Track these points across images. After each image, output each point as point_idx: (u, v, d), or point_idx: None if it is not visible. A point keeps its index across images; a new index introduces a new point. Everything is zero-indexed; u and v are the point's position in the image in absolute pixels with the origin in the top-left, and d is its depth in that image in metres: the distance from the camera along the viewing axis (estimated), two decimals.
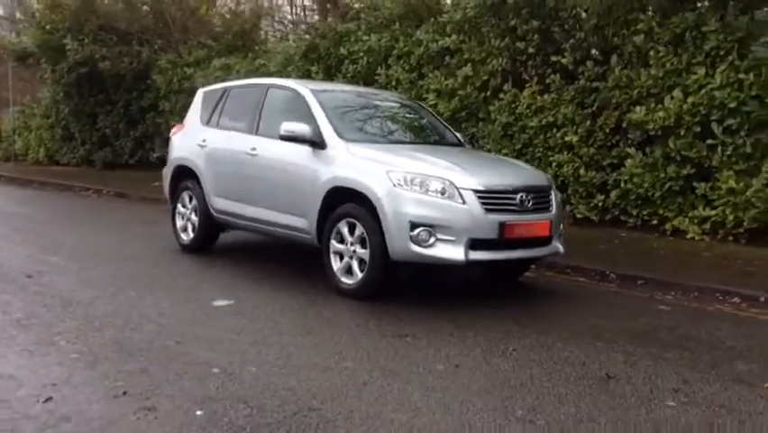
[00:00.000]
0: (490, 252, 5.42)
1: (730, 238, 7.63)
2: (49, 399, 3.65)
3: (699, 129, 7.60)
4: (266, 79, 8.11)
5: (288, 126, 6.10)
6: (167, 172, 7.95)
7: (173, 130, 8.23)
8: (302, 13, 16.58)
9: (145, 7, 17.44)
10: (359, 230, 5.63)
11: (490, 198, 5.40)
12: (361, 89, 7.98)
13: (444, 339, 4.73)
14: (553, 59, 8.66)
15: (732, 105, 7.26)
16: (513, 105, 9.05)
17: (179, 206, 7.71)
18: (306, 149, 6.18)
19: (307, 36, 12.52)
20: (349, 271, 5.77)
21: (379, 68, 10.65)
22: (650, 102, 7.90)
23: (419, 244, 5.28)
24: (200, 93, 8.02)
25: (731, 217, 7.43)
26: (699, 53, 7.55)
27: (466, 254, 5.30)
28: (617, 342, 4.76)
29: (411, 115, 7.22)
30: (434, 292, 6.32)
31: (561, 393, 3.76)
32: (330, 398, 3.69)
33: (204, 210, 7.31)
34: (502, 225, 5.39)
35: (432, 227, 5.27)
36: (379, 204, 5.40)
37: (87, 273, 6.56)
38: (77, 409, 3.49)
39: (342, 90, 7.29)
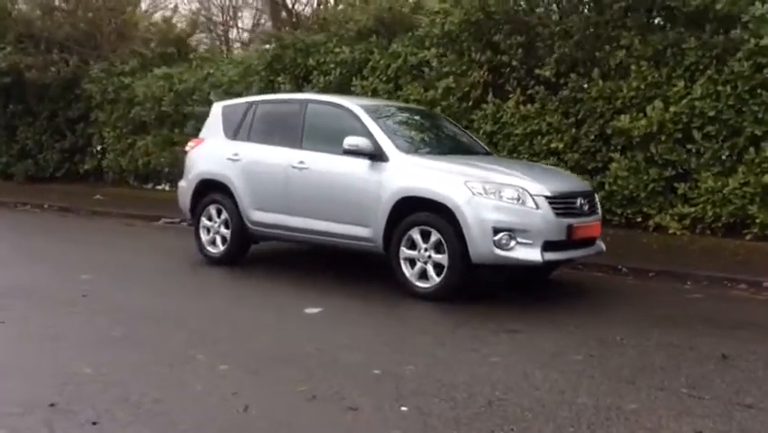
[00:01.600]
0: (559, 252, 5.99)
1: (708, 232, 8.58)
2: (246, 408, 3.84)
3: (680, 135, 8.50)
4: (300, 95, 8.36)
5: (352, 141, 6.42)
6: (186, 186, 7.99)
7: (189, 145, 8.26)
8: (239, 23, 16.51)
9: (59, 14, 16.76)
10: (434, 237, 6.04)
11: (558, 203, 5.98)
12: (393, 103, 8.33)
13: (550, 333, 5.24)
14: (537, 72, 9.34)
15: (711, 113, 8.21)
16: (497, 115, 9.67)
17: (204, 219, 7.79)
18: (363, 162, 6.51)
19: (267, 46, 12.65)
20: (422, 275, 6.16)
21: (354, 79, 10.98)
22: (632, 111, 8.74)
23: (501, 248, 5.78)
24: (218, 108, 8.12)
25: (710, 213, 8.38)
26: (679, 68, 8.47)
27: (542, 255, 5.84)
28: (694, 327, 5.45)
29: (444, 126, 7.70)
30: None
31: (699, 373, 4.37)
32: (507, 389, 4.09)
33: (237, 223, 7.45)
34: (570, 228, 5.98)
35: (512, 231, 5.77)
36: (460, 212, 5.85)
37: (136, 288, 6.62)
38: (281, 416, 3.66)
39: (385, 105, 7.64)
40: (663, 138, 8.60)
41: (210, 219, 7.78)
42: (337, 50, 11.23)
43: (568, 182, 6.50)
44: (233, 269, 7.54)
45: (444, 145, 7.33)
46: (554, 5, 9.40)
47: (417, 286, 6.16)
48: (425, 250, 6.11)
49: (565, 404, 3.86)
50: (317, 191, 6.81)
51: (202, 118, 8.86)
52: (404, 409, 3.84)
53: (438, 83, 10.08)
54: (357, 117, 6.80)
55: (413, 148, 6.65)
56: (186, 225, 11.06)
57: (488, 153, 7.55)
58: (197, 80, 13.65)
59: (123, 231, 10.90)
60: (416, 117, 7.61)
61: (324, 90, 11.29)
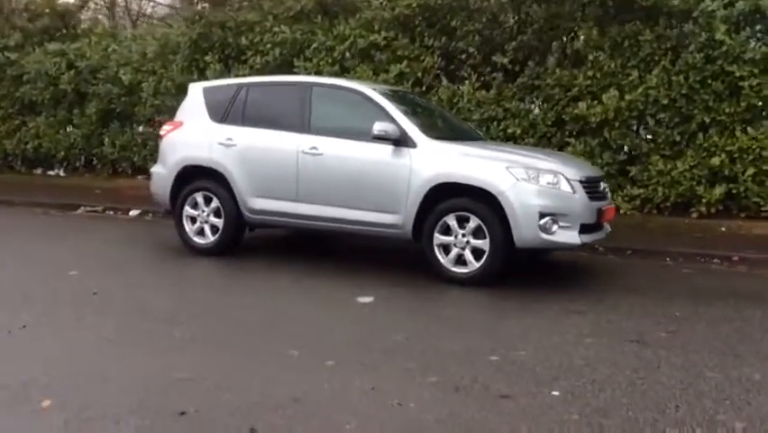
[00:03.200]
0: (590, 235, 6.26)
1: (654, 211, 9.28)
2: (400, 403, 3.73)
3: (634, 122, 9.11)
4: (301, 78, 8.03)
5: (382, 126, 6.32)
6: (166, 173, 7.48)
7: (165, 128, 7.71)
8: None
9: None
10: (473, 222, 6.10)
11: (589, 188, 6.25)
12: (387, 87, 8.18)
13: (612, 312, 5.47)
14: (494, 59, 9.60)
15: (664, 102, 8.86)
16: (454, 100, 9.84)
17: (188, 208, 7.34)
18: (386, 148, 6.44)
19: (184, 24, 11.99)
20: (458, 261, 6.21)
21: (296, 60, 10.71)
22: (587, 99, 9.23)
23: (545, 232, 5.95)
24: (198, 89, 7.65)
25: (660, 194, 9.06)
26: (635, 58, 9.05)
27: (580, 238, 6.09)
28: (725, 299, 5.91)
29: (442, 112, 7.75)
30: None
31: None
32: (637, 369, 4.25)
33: (232, 211, 7.11)
34: (599, 211, 6.28)
35: (555, 216, 5.97)
36: (504, 197, 5.95)
37: (141, 284, 6.23)
38: (440, 410, 3.60)
39: (390, 89, 7.52)
40: (617, 124, 9.15)
41: (195, 208, 7.33)
42: (276, 29, 10.86)
43: (589, 167, 6.80)
44: (227, 260, 7.18)
45: (456, 131, 7.39)
46: None
47: (454, 272, 6.19)
48: (463, 236, 6.14)
49: (701, 379, 4.09)
50: (336, 177, 6.63)
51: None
52: (555, 393, 3.90)
53: (391, 67, 10.04)
54: (375, 102, 6.68)
55: (434, 134, 6.64)
56: (113, 214, 10.47)
57: (482, 139, 7.68)
58: (101, 57, 12.67)
59: (50, 222, 10.01)
60: (420, 102, 7.58)
61: (262, 71, 10.91)
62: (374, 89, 6.89)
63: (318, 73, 10.51)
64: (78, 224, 9.85)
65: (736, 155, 8.68)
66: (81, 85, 12.96)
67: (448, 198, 6.22)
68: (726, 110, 8.69)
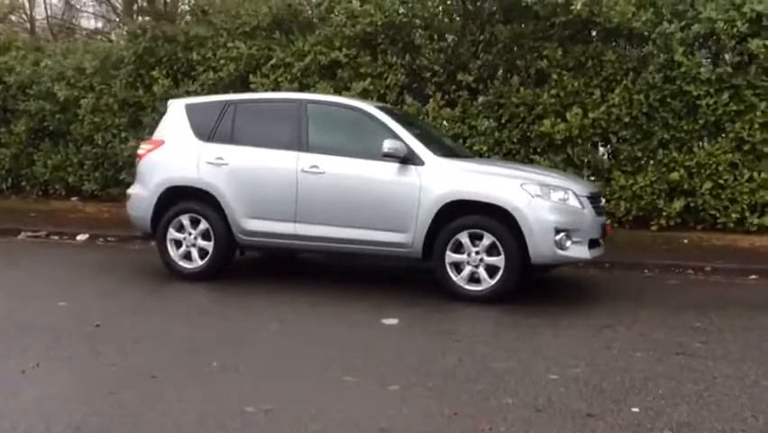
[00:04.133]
0: (595, 249, 6.40)
1: (616, 225, 9.59)
2: (491, 428, 3.70)
3: (597, 139, 9.41)
4: (293, 95, 7.80)
5: (391, 144, 6.25)
6: (146, 195, 7.12)
7: (143, 147, 7.33)
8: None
9: None
10: (487, 239, 6.11)
11: (594, 203, 6.39)
12: (386, 105, 8.09)
13: (639, 326, 5.59)
14: (459, 77, 9.70)
15: (626, 119, 9.21)
16: (419, 118, 9.86)
17: (172, 231, 7.00)
18: (393, 165, 6.37)
19: (124, 36, 11.49)
20: (471, 279, 6.19)
21: (252, 76, 10.45)
22: (551, 117, 9.47)
23: (560, 248, 6.04)
24: (180, 106, 7.33)
25: (622, 208, 9.39)
26: (597, 78, 9.37)
27: (590, 253, 6.21)
28: (729, 310, 6.14)
29: (433, 130, 7.73)
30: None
31: None
32: (696, 381, 4.33)
33: (223, 234, 6.83)
34: (604, 226, 6.43)
35: (568, 231, 6.06)
36: (521, 214, 5.99)
37: (143, 314, 5.92)
38: (516, 427, 3.58)
39: (384, 107, 7.41)
40: (581, 141, 9.42)
41: (180, 231, 6.99)
42: (230, 44, 10.56)
43: (588, 184, 6.94)
44: (219, 284, 6.89)
45: (450, 148, 7.38)
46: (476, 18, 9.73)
47: (468, 289, 6.17)
48: (477, 253, 6.13)
49: (759, 388, 4.23)
50: (339, 197, 6.48)
51: None
52: (635, 409, 3.93)
53: (354, 84, 9.96)
54: (377, 120, 6.61)
55: (438, 151, 6.61)
56: (60, 240, 9.87)
57: (472, 155, 7.74)
58: (32, 72, 11.94)
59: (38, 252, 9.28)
60: (412, 120, 7.55)
61: (214, 88, 10.60)
62: (375, 107, 6.80)
63: (276, 90, 10.28)
64: (29, 250, 9.21)
65: (693, 170, 9.10)
66: (9, 101, 12.14)
67: (458, 215, 6.18)
68: (685, 127, 9.12)
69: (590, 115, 9.28)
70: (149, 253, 8.77)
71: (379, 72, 10.02)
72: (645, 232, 9.38)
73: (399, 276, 7.49)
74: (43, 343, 4.98)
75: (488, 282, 6.12)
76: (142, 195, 7.09)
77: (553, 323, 5.65)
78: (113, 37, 12.95)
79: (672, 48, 8.96)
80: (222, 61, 10.66)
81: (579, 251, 6.12)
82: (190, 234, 6.94)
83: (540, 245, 5.97)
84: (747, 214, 9.01)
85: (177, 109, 7.28)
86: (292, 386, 4.20)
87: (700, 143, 9.13)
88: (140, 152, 7.33)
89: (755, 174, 8.94)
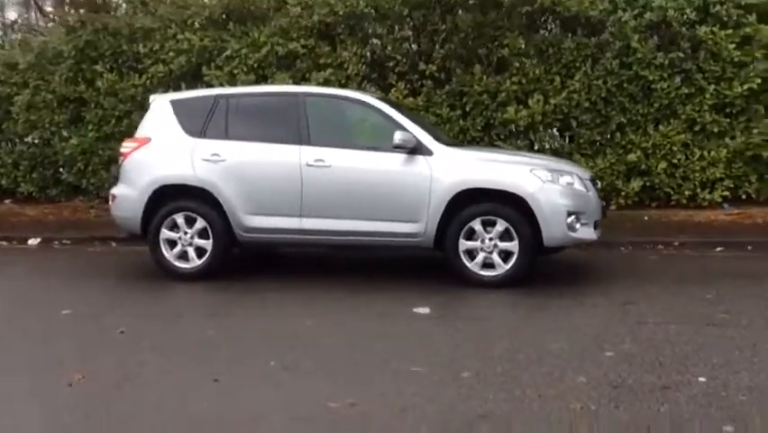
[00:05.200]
0: (598, 230, 6.64)
1: None
2: (582, 408, 3.80)
3: (558, 125, 9.72)
4: (290, 88, 7.66)
5: (402, 136, 6.25)
6: (135, 195, 6.81)
7: (126, 145, 6.99)
8: None
9: None
10: (500, 225, 6.23)
11: (594, 186, 6.63)
12: (381, 96, 7.99)
13: (661, 301, 5.81)
14: (422, 67, 9.78)
15: (586, 105, 9.57)
16: None
17: (165, 231, 6.75)
18: (400, 156, 6.39)
19: (60, 30, 10.88)
20: (485, 265, 6.30)
21: (205, 68, 10.15)
22: (513, 104, 9.71)
23: (572, 230, 6.23)
24: (164, 102, 7.04)
25: None
26: (557, 65, 9.66)
27: (596, 234, 6.45)
28: (725, 282, 6.49)
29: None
30: None
31: None
32: (741, 348, 4.59)
33: (222, 232, 6.65)
34: (604, 207, 6.69)
35: (577, 214, 6.27)
36: (534, 199, 6.14)
37: (163, 316, 5.78)
38: (605, 404, 3.69)
39: (382, 98, 7.35)
40: (541, 128, 9.71)
41: (173, 230, 6.75)
42: (180, 36, 10.20)
43: (585, 168, 7.16)
44: (221, 283, 6.70)
45: (444, 137, 7.42)
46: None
47: (483, 275, 6.27)
48: (490, 239, 6.24)
49: None
50: (347, 189, 6.43)
51: None
52: (702, 379, 4.10)
53: (314, 75, 9.85)
54: (381, 111, 6.60)
55: (442, 141, 6.67)
56: (9, 245, 9.34)
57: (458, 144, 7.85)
58: None
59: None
60: (406, 111, 7.52)
61: (164, 81, 10.26)
62: (376, 98, 6.77)
63: (232, 82, 10.02)
64: None
65: (649, 151, 9.57)
66: None
67: (468, 204, 6.26)
68: (641, 111, 9.56)
69: (551, 101, 9.56)
70: (115, 255, 8.46)
71: (339, 63, 9.92)
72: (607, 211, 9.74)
73: (402, 266, 7.50)
74: (74, 353, 4.72)
75: (502, 267, 6.23)
76: (130, 195, 6.77)
77: (579, 302, 5.83)
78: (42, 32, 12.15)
79: (627, 35, 9.35)
80: (171, 53, 10.27)
81: (587, 232, 6.33)
82: (186, 233, 6.70)
83: (553, 229, 6.13)
84: (699, 190, 9.56)
85: (161, 105, 6.98)
86: (364, 380, 4.18)
87: (655, 126, 9.55)
88: (123, 150, 6.99)
89: (705, 153, 9.49)
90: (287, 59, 10.07)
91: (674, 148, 9.51)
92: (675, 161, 9.55)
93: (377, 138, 6.51)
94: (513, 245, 6.19)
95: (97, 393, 4.02)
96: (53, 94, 10.64)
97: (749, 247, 8.23)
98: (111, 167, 10.39)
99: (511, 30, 9.60)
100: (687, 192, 9.57)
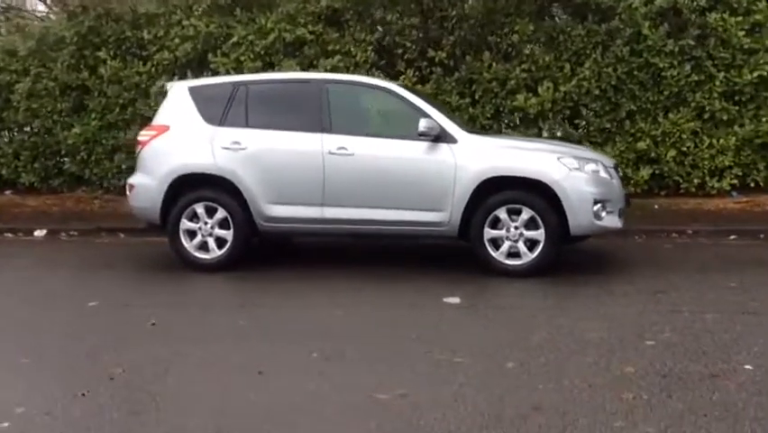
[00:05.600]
0: (622, 218, 6.62)
1: None
2: (634, 397, 3.79)
3: (568, 112, 9.69)
4: (310, 75, 7.59)
5: (427, 123, 6.21)
6: (154, 184, 6.71)
7: (143, 134, 6.88)
8: None
9: None
10: (525, 214, 6.20)
11: (617, 174, 6.62)
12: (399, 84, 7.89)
13: (681, 290, 5.82)
14: (431, 54, 9.71)
15: (596, 92, 9.55)
16: None
17: (185, 221, 6.67)
18: (423, 144, 6.34)
19: (64, 17, 10.68)
20: (509, 254, 6.28)
21: (211, 55, 10.02)
22: (524, 91, 9.67)
23: (598, 218, 6.21)
24: (182, 89, 6.94)
25: None
26: (567, 52, 9.63)
27: (621, 222, 6.44)
28: (746, 269, 6.50)
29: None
30: None
31: None
32: None
33: (243, 221, 6.57)
34: (626, 195, 6.68)
35: (603, 202, 6.25)
36: (560, 187, 6.11)
37: (190, 307, 5.74)
38: (656, 393, 3.70)
39: (403, 85, 7.28)
40: (551, 115, 9.68)
41: (193, 220, 6.66)
42: (185, 23, 10.06)
43: (606, 156, 7.14)
44: (244, 273, 6.65)
45: (465, 125, 7.38)
46: None
47: (509, 264, 6.25)
48: (516, 228, 6.21)
49: None
50: (371, 178, 6.38)
51: None
52: (748, 367, 4.12)
53: (323, 62, 9.76)
54: (404, 99, 6.54)
55: (465, 128, 6.63)
56: (15, 237, 9.19)
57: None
58: None
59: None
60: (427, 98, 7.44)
61: (170, 68, 10.14)
62: (399, 86, 6.72)
63: (238, 69, 9.89)
64: None
65: (659, 139, 9.57)
66: None
67: (492, 192, 6.22)
68: (651, 98, 9.55)
69: (561, 88, 9.53)
70: (126, 246, 8.37)
71: (347, 49, 9.83)
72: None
73: (419, 255, 7.48)
74: (109, 346, 4.66)
75: (528, 256, 6.21)
76: (149, 184, 6.67)
77: (607, 291, 5.83)
78: (51, 16, 11.91)
79: (638, 22, 9.33)
80: (176, 40, 10.12)
81: (612, 220, 6.32)
82: (206, 223, 6.62)
83: (580, 217, 6.12)
84: (707, 178, 9.59)
85: (179, 92, 6.87)
86: (409, 370, 4.15)
87: (665, 113, 9.55)
88: (141, 138, 6.88)
89: (714, 141, 9.50)
90: (294, 46, 9.95)
91: (684, 136, 9.52)
92: (684, 148, 9.55)
93: (400, 126, 6.46)
94: (539, 234, 6.17)
95: (141, 386, 3.96)
96: (55, 81, 10.46)
97: (761, 235, 8.26)
98: (115, 156, 10.34)
99: (521, 17, 9.53)
100: (696, 180, 9.59)
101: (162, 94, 9.39)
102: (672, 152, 9.53)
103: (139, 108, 10.31)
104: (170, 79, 10.00)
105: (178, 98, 6.83)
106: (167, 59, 10.12)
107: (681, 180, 9.64)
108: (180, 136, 6.69)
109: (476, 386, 3.90)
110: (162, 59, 10.14)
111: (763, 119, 9.40)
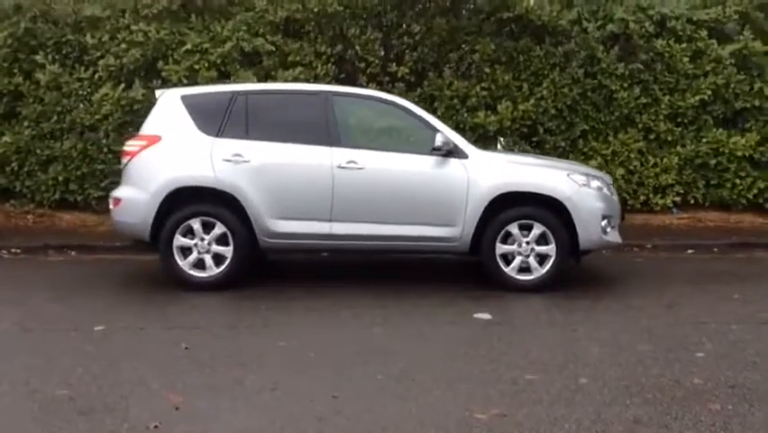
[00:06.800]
0: (620, 233, 6.83)
1: None
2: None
3: (525, 130, 9.94)
4: (314, 86, 7.29)
5: (442, 138, 6.19)
6: (145, 198, 6.28)
7: (131, 144, 6.43)
8: None
9: None
10: (537, 229, 6.28)
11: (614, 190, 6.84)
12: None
13: (689, 303, 6.06)
14: (394, 69, 9.70)
15: (553, 111, 9.86)
16: None
17: (179, 237, 6.30)
18: (434, 159, 6.31)
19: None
20: (521, 269, 6.34)
21: (161, 62, 9.56)
22: (483, 109, 9.84)
23: (605, 233, 6.39)
24: (174, 97, 6.54)
25: None
26: (526, 72, 9.88)
27: (620, 237, 6.65)
28: (733, 282, 6.85)
29: None
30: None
31: None
32: None
33: (245, 237, 6.29)
34: (622, 211, 6.91)
35: (608, 217, 6.44)
36: (571, 203, 6.23)
37: (225, 330, 5.41)
38: (729, 404, 3.82)
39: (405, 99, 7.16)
40: (509, 132, 9.90)
41: (188, 236, 6.30)
42: (135, 27, 9.53)
43: (603, 172, 7.37)
44: (246, 292, 6.33)
45: None
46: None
47: (520, 280, 6.30)
48: (527, 243, 6.27)
49: None
50: (382, 193, 6.25)
51: None
52: None
53: (281, 73, 9.52)
54: (411, 113, 6.48)
55: (473, 144, 6.65)
56: None
57: None
58: None
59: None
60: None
61: (117, 74, 9.57)
62: (405, 99, 6.64)
63: (192, 78, 9.47)
64: None
65: (609, 158, 9.99)
66: None
67: (503, 207, 6.26)
68: (603, 119, 9.97)
69: (520, 107, 9.75)
70: (83, 264, 7.82)
71: (308, 61, 9.63)
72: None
73: (416, 268, 7.43)
74: (152, 374, 4.28)
75: (539, 271, 6.28)
76: (139, 198, 6.22)
77: (625, 305, 5.99)
78: None
79: (591, 45, 9.72)
80: (123, 46, 9.55)
81: (615, 235, 6.51)
82: (203, 239, 6.25)
83: (589, 232, 6.25)
84: (652, 195, 10.08)
85: (171, 101, 6.46)
86: (487, 389, 4.08)
87: (615, 133, 9.98)
88: (128, 149, 6.41)
89: (659, 160, 10.03)
90: (251, 56, 9.63)
91: (631, 155, 9.98)
92: (632, 167, 10.01)
93: (409, 140, 6.41)
94: (550, 249, 6.25)
95: (215, 417, 3.64)
96: None
97: (715, 249, 8.76)
98: (50, 167, 9.62)
99: (482, 36, 9.68)
100: (642, 197, 10.05)
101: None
102: (621, 171, 9.94)
103: (77, 116, 9.64)
104: (116, 86, 9.46)
105: (169, 107, 6.42)
106: (112, 66, 9.52)
107: (628, 197, 10.06)
108: (174, 147, 6.29)
109: (566, 403, 3.88)
110: (107, 65, 9.52)
111: (703, 140, 10.01)
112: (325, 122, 6.34)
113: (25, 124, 9.71)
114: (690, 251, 8.68)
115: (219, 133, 6.32)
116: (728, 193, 10.08)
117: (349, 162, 6.21)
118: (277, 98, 6.61)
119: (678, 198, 10.14)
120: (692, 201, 10.20)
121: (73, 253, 8.36)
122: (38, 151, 9.70)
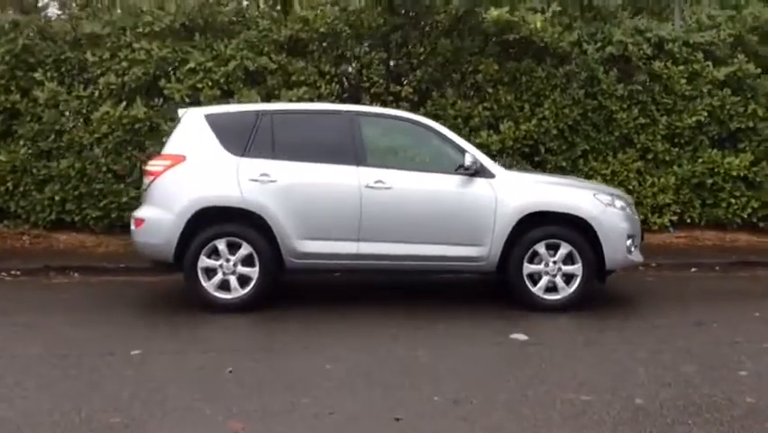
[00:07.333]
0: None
1: None
2: None
3: (527, 150, 10.03)
4: (340, 106, 7.19)
5: (471, 158, 6.21)
6: (170, 218, 6.17)
7: (155, 164, 6.33)
8: None
9: None
10: (564, 249, 6.32)
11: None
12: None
13: (713, 321, 6.13)
14: (398, 88, 9.74)
15: (554, 132, 9.97)
16: None
17: (203, 258, 6.20)
18: (461, 179, 6.33)
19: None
20: (548, 288, 6.36)
21: (163, 81, 9.46)
22: (485, 128, 9.92)
23: (630, 253, 6.45)
24: (197, 116, 6.47)
25: None
26: (527, 92, 9.99)
27: (642, 256, 6.73)
28: (753, 300, 6.99)
29: None
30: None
31: None
32: None
33: (270, 258, 6.22)
34: (642, 231, 6.99)
35: (632, 237, 6.51)
36: (597, 222, 6.29)
37: (264, 353, 5.27)
38: None
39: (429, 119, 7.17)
40: (511, 152, 9.98)
41: (212, 257, 6.21)
42: (137, 45, 9.42)
43: (623, 192, 7.45)
44: (263, 314, 6.23)
45: None
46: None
47: (547, 299, 6.32)
48: (554, 263, 6.31)
49: None
50: (410, 212, 6.24)
51: None
52: None
53: (287, 92, 9.48)
54: (437, 132, 6.52)
55: (499, 164, 6.69)
56: None
57: None
58: None
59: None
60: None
61: (119, 92, 9.44)
62: (430, 120, 6.66)
63: (195, 96, 9.38)
64: None
65: (608, 177, 10.11)
66: None
67: (530, 227, 6.29)
68: (602, 139, 10.11)
69: (522, 127, 9.84)
70: (90, 286, 7.66)
71: (312, 81, 9.61)
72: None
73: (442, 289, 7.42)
74: (204, 399, 4.19)
75: (566, 291, 6.31)
76: (164, 218, 6.11)
77: (653, 324, 6.04)
78: None
79: (591, 66, 9.87)
80: (125, 64, 9.43)
81: (637, 255, 6.58)
82: (228, 260, 6.15)
83: (616, 252, 6.31)
84: (649, 215, 10.22)
85: (195, 120, 6.38)
86: (549, 412, 4.07)
87: (614, 153, 10.12)
88: (152, 168, 6.29)
89: (656, 180, 10.19)
90: (255, 75, 9.57)
91: (630, 175, 10.13)
92: (630, 187, 10.14)
93: (434, 159, 6.42)
94: (576, 268, 6.29)
95: None
96: None
97: (717, 268, 8.89)
98: (46, 187, 9.43)
99: (485, 57, 9.77)
100: (640, 216, 10.16)
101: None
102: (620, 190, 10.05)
103: (76, 135, 9.47)
104: (116, 105, 9.33)
105: (193, 126, 6.34)
106: (113, 84, 9.38)
107: None
108: (200, 167, 6.21)
109: (630, 425, 3.89)
110: (108, 83, 9.38)
111: (699, 160, 10.20)
112: (352, 141, 6.32)
113: (21, 142, 9.50)
114: (693, 269, 8.80)
115: (245, 153, 6.25)
116: (723, 212, 10.27)
117: (376, 182, 6.19)
118: (302, 118, 6.56)
119: (675, 218, 10.29)
120: (689, 220, 10.36)
121: (76, 274, 8.17)
122: (34, 170, 9.50)
